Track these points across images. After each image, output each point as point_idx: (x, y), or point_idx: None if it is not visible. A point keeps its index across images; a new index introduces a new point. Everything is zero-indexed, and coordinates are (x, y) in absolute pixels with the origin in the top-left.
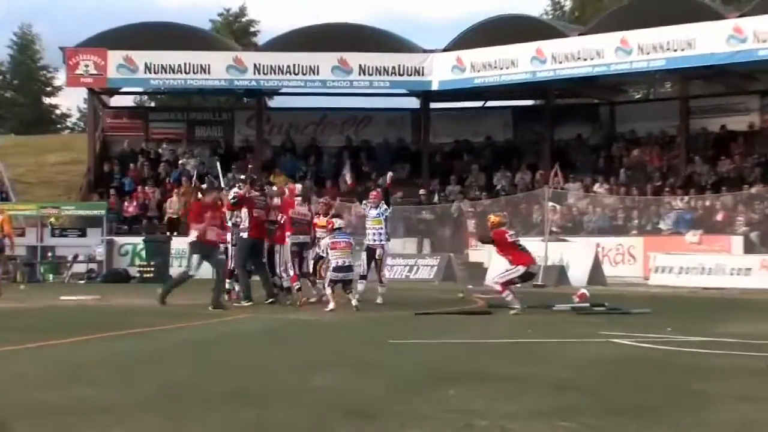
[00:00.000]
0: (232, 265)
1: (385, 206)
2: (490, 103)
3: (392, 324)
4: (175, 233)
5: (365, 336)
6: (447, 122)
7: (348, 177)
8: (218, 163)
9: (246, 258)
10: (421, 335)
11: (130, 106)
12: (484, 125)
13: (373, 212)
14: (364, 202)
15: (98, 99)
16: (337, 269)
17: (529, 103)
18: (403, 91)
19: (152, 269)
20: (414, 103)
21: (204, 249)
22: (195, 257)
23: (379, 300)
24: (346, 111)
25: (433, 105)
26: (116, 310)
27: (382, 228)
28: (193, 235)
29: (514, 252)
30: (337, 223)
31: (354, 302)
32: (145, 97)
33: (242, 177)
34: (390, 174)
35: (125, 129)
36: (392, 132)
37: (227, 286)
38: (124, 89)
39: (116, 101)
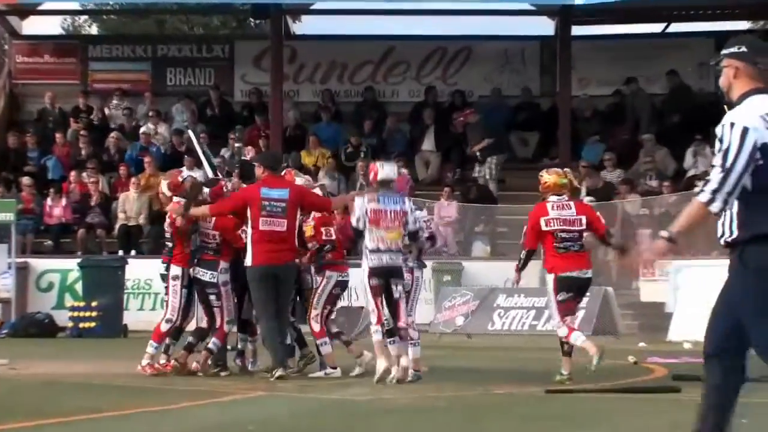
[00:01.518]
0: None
1: (414, 206)
2: (675, 27)
3: (505, 409)
4: (133, 251)
5: (459, 431)
6: (601, 60)
7: (431, 155)
8: (191, 132)
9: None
10: (556, 429)
11: (56, 35)
12: (666, 65)
13: None
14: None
15: (3, 23)
16: (375, 251)
17: (744, 26)
18: (527, 6)
19: (95, 314)
20: (545, 26)
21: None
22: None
23: (411, 375)
24: (427, 41)
25: (578, 30)
26: (34, 383)
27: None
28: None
29: (549, 247)
30: (384, 171)
31: (403, 368)
32: (82, 19)
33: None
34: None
35: (48, 74)
36: (508, 77)
37: (240, 345)
38: (46, 5)
39: (33, 26)
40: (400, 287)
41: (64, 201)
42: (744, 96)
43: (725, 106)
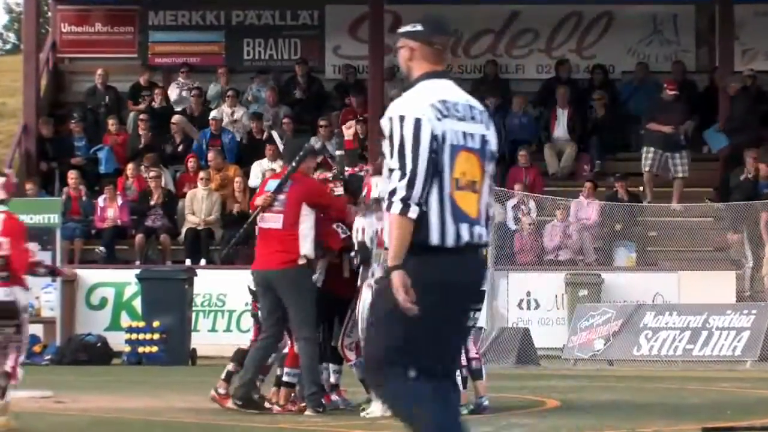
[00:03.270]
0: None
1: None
2: None
3: None
4: (203, 260)
5: None
6: None
7: (565, 144)
8: (275, 133)
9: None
10: None
11: None
12: None
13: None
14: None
15: None
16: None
17: None
18: None
19: (156, 337)
20: None
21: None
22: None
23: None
24: (559, 5)
25: None
26: (83, 420)
27: None
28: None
29: None
30: (379, 189)
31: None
32: None
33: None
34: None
35: (99, 46)
36: (656, 48)
37: (334, 378)
38: None
39: None
40: None
41: (119, 200)
42: (417, 80)
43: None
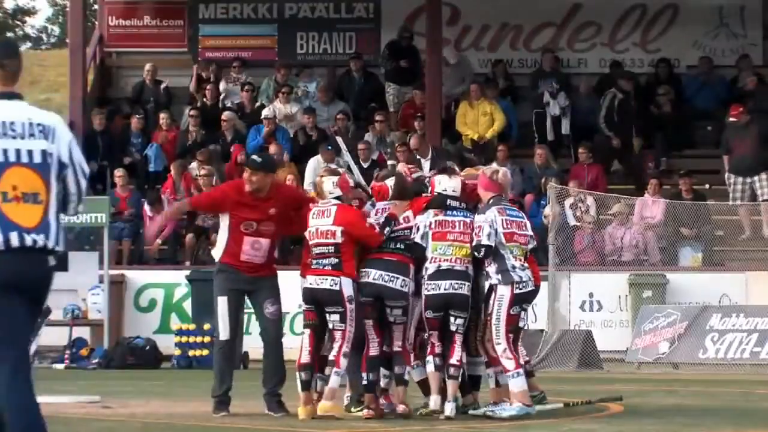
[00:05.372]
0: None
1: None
2: None
3: None
4: None
5: None
6: None
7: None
8: (339, 138)
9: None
10: None
11: None
12: None
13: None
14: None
15: None
16: (434, 276)
17: None
18: None
19: (207, 340)
20: None
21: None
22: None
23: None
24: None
25: None
26: (132, 426)
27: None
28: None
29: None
30: (442, 184)
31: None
32: None
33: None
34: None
35: (148, 40)
36: (722, 41)
37: (384, 382)
38: None
39: None
40: (459, 321)
41: (168, 200)
42: None
43: None
